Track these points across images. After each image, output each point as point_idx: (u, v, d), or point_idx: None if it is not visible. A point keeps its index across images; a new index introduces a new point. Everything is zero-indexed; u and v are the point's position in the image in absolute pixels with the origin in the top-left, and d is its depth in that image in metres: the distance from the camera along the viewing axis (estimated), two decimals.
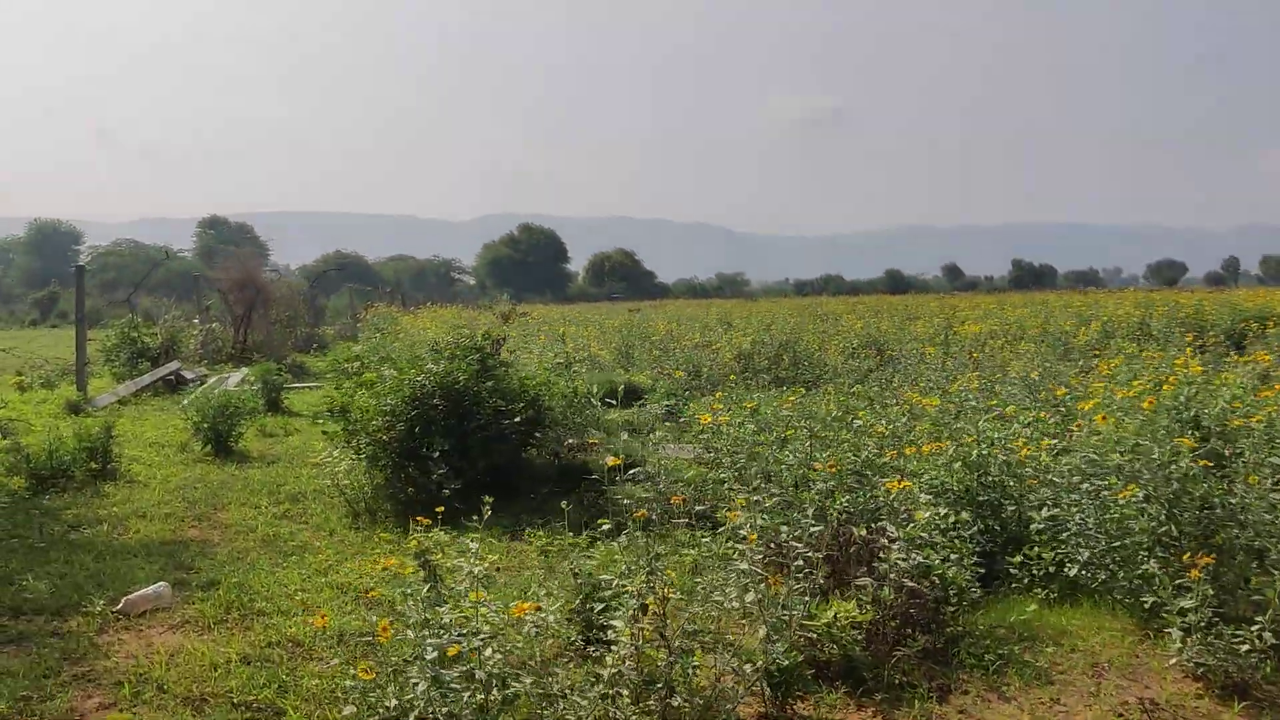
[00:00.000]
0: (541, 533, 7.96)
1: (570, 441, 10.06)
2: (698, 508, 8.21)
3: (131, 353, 18.80)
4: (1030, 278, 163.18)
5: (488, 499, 6.10)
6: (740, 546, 5.08)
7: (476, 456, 8.81)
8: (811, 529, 5.81)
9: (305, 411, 15.30)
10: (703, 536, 6.17)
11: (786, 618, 4.95)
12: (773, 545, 5.88)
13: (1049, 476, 6.67)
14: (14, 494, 9.34)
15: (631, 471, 9.27)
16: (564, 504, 7.00)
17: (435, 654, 4.10)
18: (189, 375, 18.51)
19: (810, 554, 5.47)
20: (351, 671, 4.96)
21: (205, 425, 11.47)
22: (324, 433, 10.00)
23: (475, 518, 6.28)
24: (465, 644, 4.08)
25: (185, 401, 16.01)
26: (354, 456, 8.97)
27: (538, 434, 9.38)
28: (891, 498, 6.02)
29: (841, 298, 75.03)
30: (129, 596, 6.26)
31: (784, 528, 5.92)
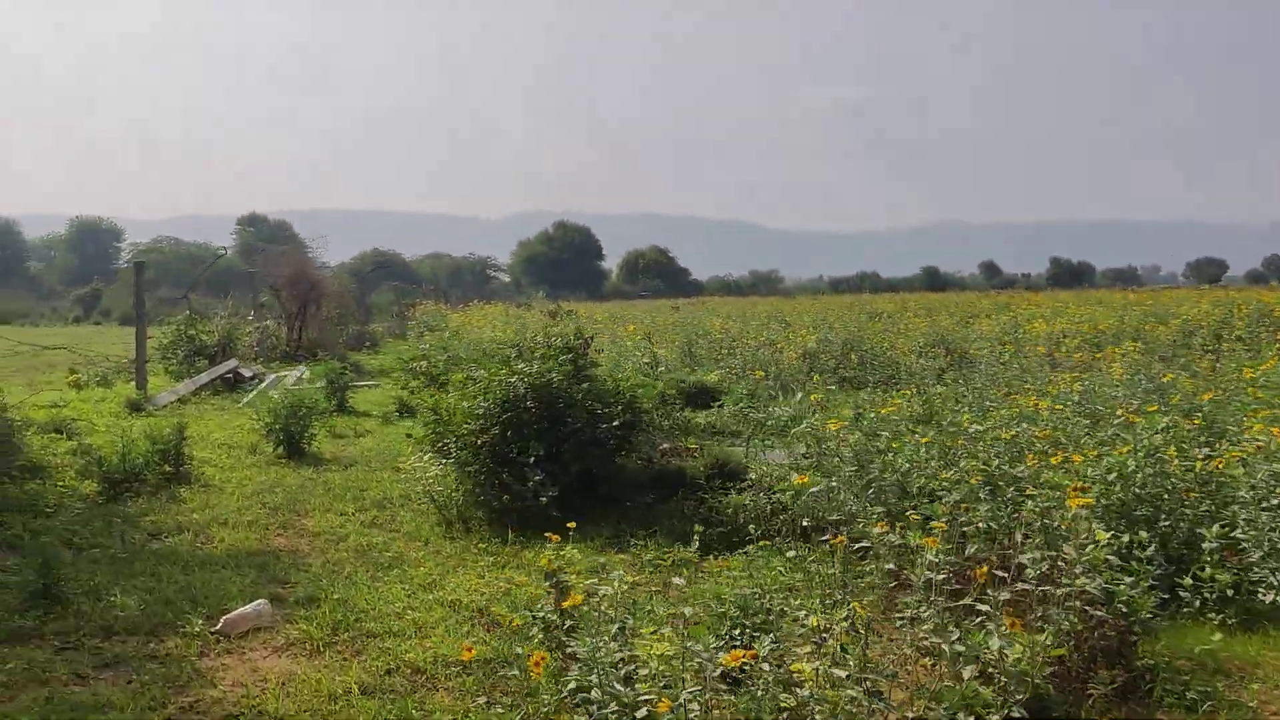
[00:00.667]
0: (649, 544, 7.48)
1: (664, 446, 9.59)
2: (804, 520, 7.74)
3: (188, 350, 18.51)
4: (1069, 275, 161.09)
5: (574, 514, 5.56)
6: (927, 572, 4.55)
7: (570, 462, 8.34)
8: (979, 552, 5.28)
9: (371, 411, 14.90)
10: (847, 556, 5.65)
11: (973, 654, 4.43)
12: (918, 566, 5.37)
13: (1223, 490, 6.12)
14: (87, 499, 8.98)
15: (735, 479, 8.83)
16: (668, 516, 6.53)
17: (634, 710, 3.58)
18: (246, 373, 18.19)
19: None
20: (496, 709, 4.53)
21: (277, 426, 11.08)
22: (408, 435, 9.58)
23: (573, 527, 5.85)
24: (671, 694, 3.58)
25: (246, 400, 15.73)
26: (443, 461, 8.52)
27: (633, 438, 8.89)
28: (1070, 515, 5.47)
29: (887, 295, 74.23)
30: (228, 616, 5.83)
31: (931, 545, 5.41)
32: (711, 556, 7.40)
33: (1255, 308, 20.27)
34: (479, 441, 8.19)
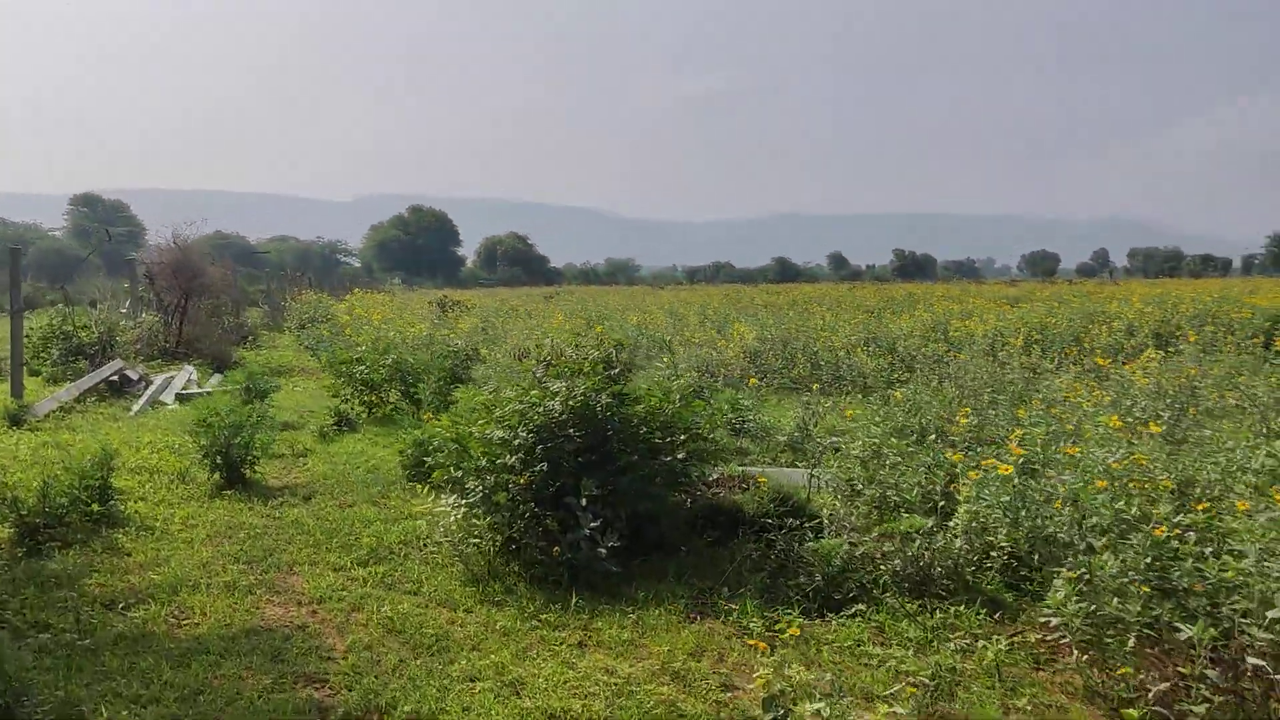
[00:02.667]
0: (746, 607, 6.15)
1: (713, 475, 8.25)
2: (893, 563, 6.56)
3: (64, 349, 16.18)
4: (913, 267, 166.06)
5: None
6: None
7: (623, 503, 6.93)
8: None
9: (299, 422, 13.06)
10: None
11: None
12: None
13: None
14: None
15: (798, 515, 7.58)
16: (733, 562, 5.22)
17: None
18: (133, 375, 16.01)
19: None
20: None
21: (217, 450, 9.28)
22: (428, 472, 7.99)
23: (629, 581, 4.48)
24: None
25: (137, 408, 13.68)
26: (469, 504, 6.96)
27: (690, 471, 7.50)
28: None
29: (765, 286, 74.25)
30: None
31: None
32: (817, 619, 6.14)
33: (1197, 306, 20.09)
34: (519, 480, 6.68)
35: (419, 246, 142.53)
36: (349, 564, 7.07)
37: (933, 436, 9.01)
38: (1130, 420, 9.47)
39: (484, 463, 6.92)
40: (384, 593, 6.52)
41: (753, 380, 13.70)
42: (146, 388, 15.77)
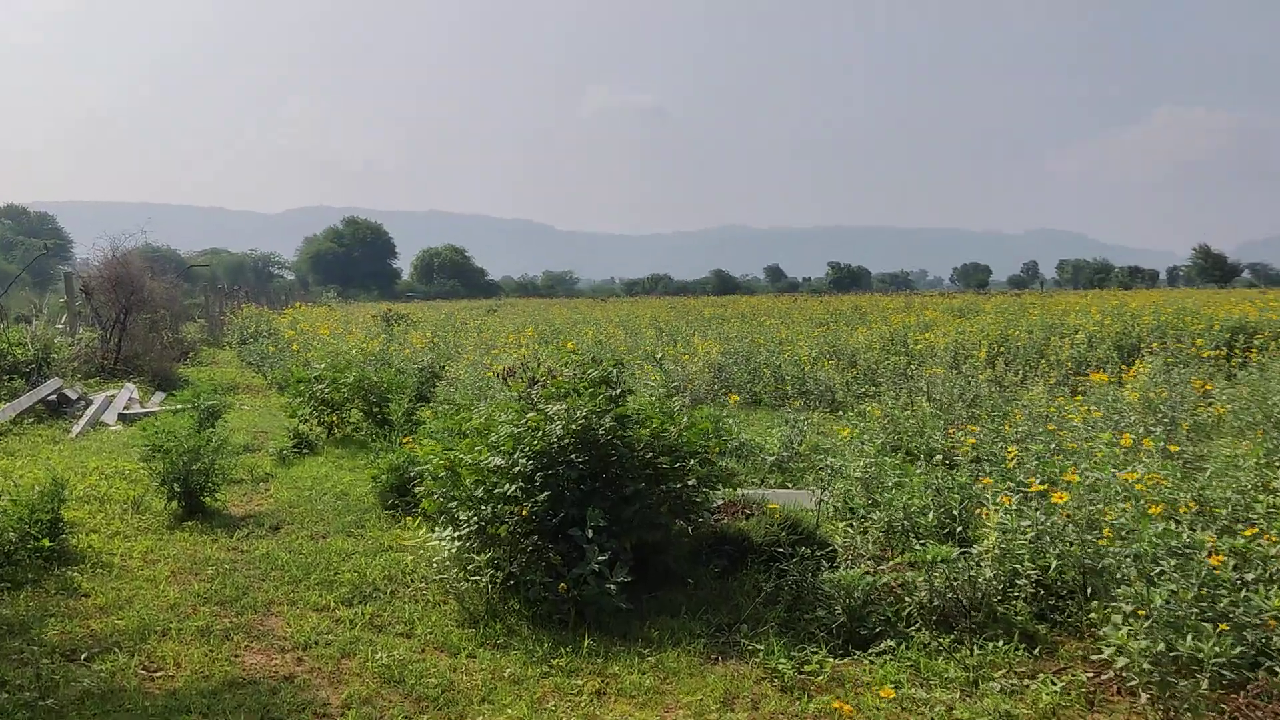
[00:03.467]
0: (773, 646, 5.71)
1: (716, 501, 7.81)
2: (930, 594, 6.19)
3: None
4: (848, 279, 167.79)
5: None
6: None
7: (628, 534, 6.47)
8: None
9: (254, 444, 12.39)
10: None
11: None
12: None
13: None
14: None
15: (808, 543, 7.18)
16: (745, 595, 4.83)
17: None
18: (72, 394, 15.19)
19: None
20: None
21: (175, 477, 8.64)
22: (408, 500, 7.45)
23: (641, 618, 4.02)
24: None
25: (78, 430, 12.94)
26: (463, 536, 6.44)
27: (697, 498, 7.05)
28: None
29: (707, 298, 74.24)
30: None
31: None
32: (845, 658, 5.73)
33: (1157, 318, 20.10)
34: (519, 510, 6.19)
35: (354, 259, 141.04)
36: (332, 603, 6.52)
37: (939, 457, 8.65)
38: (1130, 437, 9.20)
39: (479, 492, 6.41)
40: (375, 636, 5.98)
41: (734, 398, 13.29)
42: (86, 408, 14.96)
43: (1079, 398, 11.59)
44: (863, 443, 9.88)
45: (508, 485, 6.31)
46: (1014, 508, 6.36)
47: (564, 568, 6.22)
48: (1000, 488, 6.70)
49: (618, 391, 6.96)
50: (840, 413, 14.33)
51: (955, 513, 7.18)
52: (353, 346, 18.83)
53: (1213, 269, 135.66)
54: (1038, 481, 6.94)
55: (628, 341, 23.07)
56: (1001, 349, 18.55)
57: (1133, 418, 10.59)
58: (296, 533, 8.24)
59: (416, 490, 8.34)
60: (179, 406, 13.58)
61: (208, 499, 8.87)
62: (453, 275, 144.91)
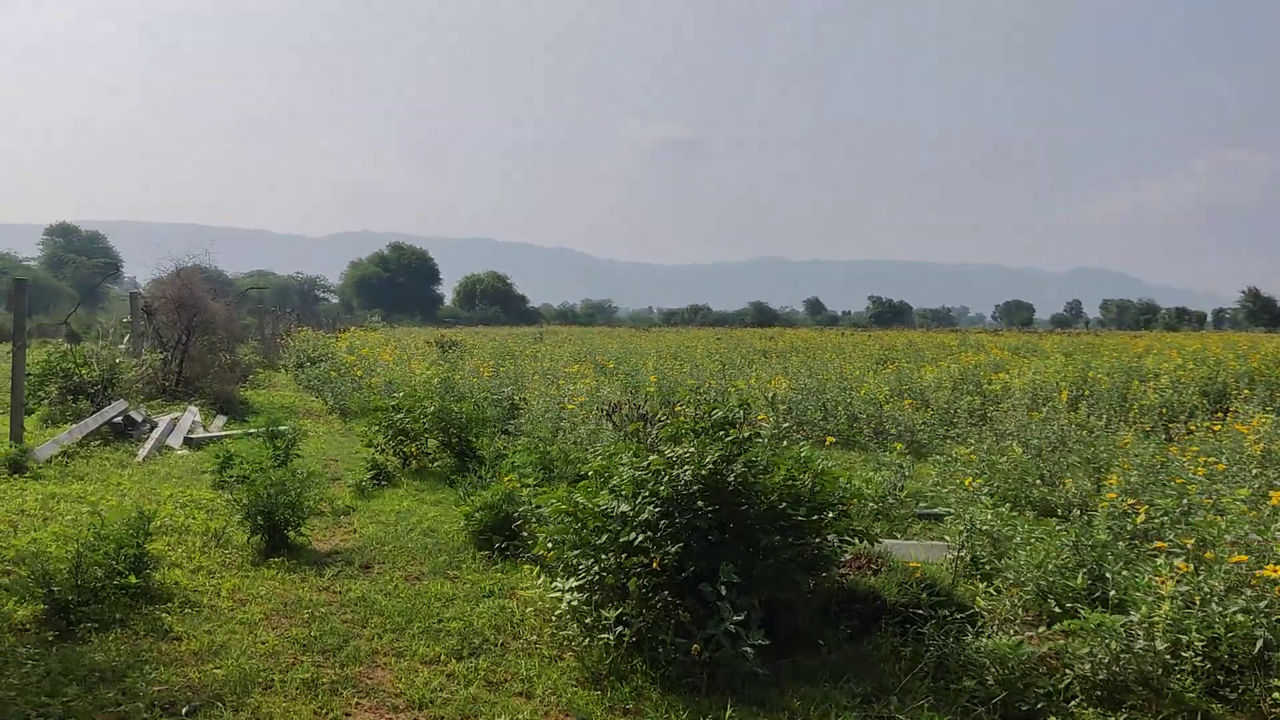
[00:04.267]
0: None
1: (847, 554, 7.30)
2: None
3: (62, 388, 15.07)
4: (890, 314, 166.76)
5: None
6: None
7: (759, 590, 5.98)
8: None
9: (325, 471, 12.01)
10: None
11: None
12: None
13: None
14: (21, 629, 6.13)
15: (946, 605, 6.66)
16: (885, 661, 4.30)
17: None
18: (137, 417, 14.93)
19: None
20: None
21: (258, 510, 8.25)
22: (506, 541, 7.01)
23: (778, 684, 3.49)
24: None
25: (144, 454, 12.64)
26: (583, 588, 5.98)
27: (837, 555, 6.56)
28: None
29: (753, 330, 73.74)
30: None
31: None
32: None
33: (1242, 364, 19.37)
34: (651, 562, 5.72)
35: (399, 284, 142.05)
36: (440, 655, 6.06)
37: (1076, 511, 8.09)
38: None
39: (601, 539, 5.96)
40: (492, 695, 5.52)
41: (830, 440, 12.79)
42: (151, 430, 14.69)
43: (1174, 447, 11.00)
44: (979, 493, 9.37)
45: (633, 534, 5.85)
46: (1191, 573, 5.81)
47: (693, 626, 5.75)
48: (1175, 550, 6.15)
49: (747, 436, 6.48)
50: (923, 456, 13.79)
51: (1108, 575, 6.63)
52: (420, 374, 18.51)
53: (1262, 312, 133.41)
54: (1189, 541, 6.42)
55: (693, 374, 22.58)
56: (1086, 391, 17.86)
57: (1254, 470, 9.99)
58: (389, 573, 7.80)
59: (519, 531, 7.92)
60: (249, 431, 13.27)
61: (292, 533, 8.47)
62: (495, 302, 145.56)
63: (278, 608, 6.91)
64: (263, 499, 8.26)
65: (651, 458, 6.24)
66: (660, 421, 9.52)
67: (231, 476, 10.46)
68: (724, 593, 5.68)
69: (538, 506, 7.39)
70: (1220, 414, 15.53)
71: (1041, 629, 6.34)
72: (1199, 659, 5.71)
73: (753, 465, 6.19)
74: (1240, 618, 5.79)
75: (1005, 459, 11.68)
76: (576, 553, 6.03)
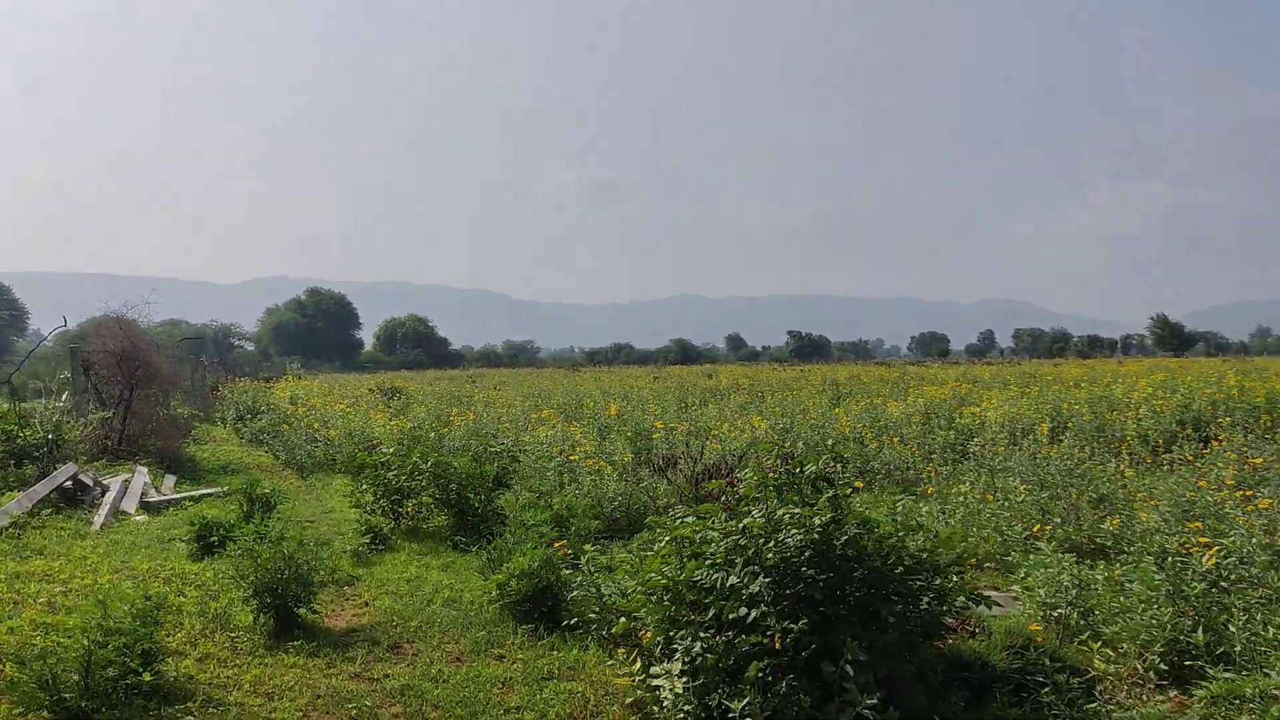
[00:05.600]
0: None
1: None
2: None
3: (4, 451, 13.88)
4: (810, 348, 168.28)
5: None
6: None
7: (881, 666, 5.35)
8: None
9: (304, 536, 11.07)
10: None
11: None
12: None
13: None
14: None
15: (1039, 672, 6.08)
16: None
17: None
18: (87, 481, 13.82)
19: None
20: None
21: (267, 586, 7.39)
22: (549, 612, 6.27)
23: None
24: None
25: (99, 521, 11.62)
26: (694, 671, 5.28)
27: (950, 621, 5.95)
28: None
29: (687, 366, 73.33)
30: None
31: None
32: None
33: (1214, 391, 19.31)
34: (773, 641, 5.06)
35: (317, 330, 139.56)
36: None
37: (1170, 559, 7.59)
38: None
39: (706, 616, 5.28)
40: None
41: (859, 483, 12.23)
42: (103, 494, 13.60)
43: (1167, 480, 10.72)
44: (1037, 539, 8.88)
45: (744, 609, 5.19)
46: None
47: (814, 711, 5.10)
48: None
49: (848, 494, 5.87)
50: (910, 492, 13.33)
51: (1232, 628, 6.11)
52: (383, 426, 17.59)
53: (1170, 338, 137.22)
54: None
55: (661, 415, 21.90)
56: (1069, 423, 17.60)
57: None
58: (427, 654, 7.00)
59: (565, 602, 7.19)
60: (207, 492, 12.27)
61: (304, 611, 7.62)
62: (416, 345, 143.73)
63: (313, 702, 6.08)
64: (270, 573, 7.41)
65: (746, 521, 5.59)
66: (729, 476, 8.87)
67: (214, 544, 9.55)
68: (850, 672, 5.04)
69: (592, 570, 6.66)
70: (1202, 442, 15.35)
71: (1174, 693, 5.82)
72: None
73: (866, 526, 5.58)
74: None
75: (1025, 499, 11.26)
76: (682, 632, 5.34)
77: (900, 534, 5.79)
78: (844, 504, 5.73)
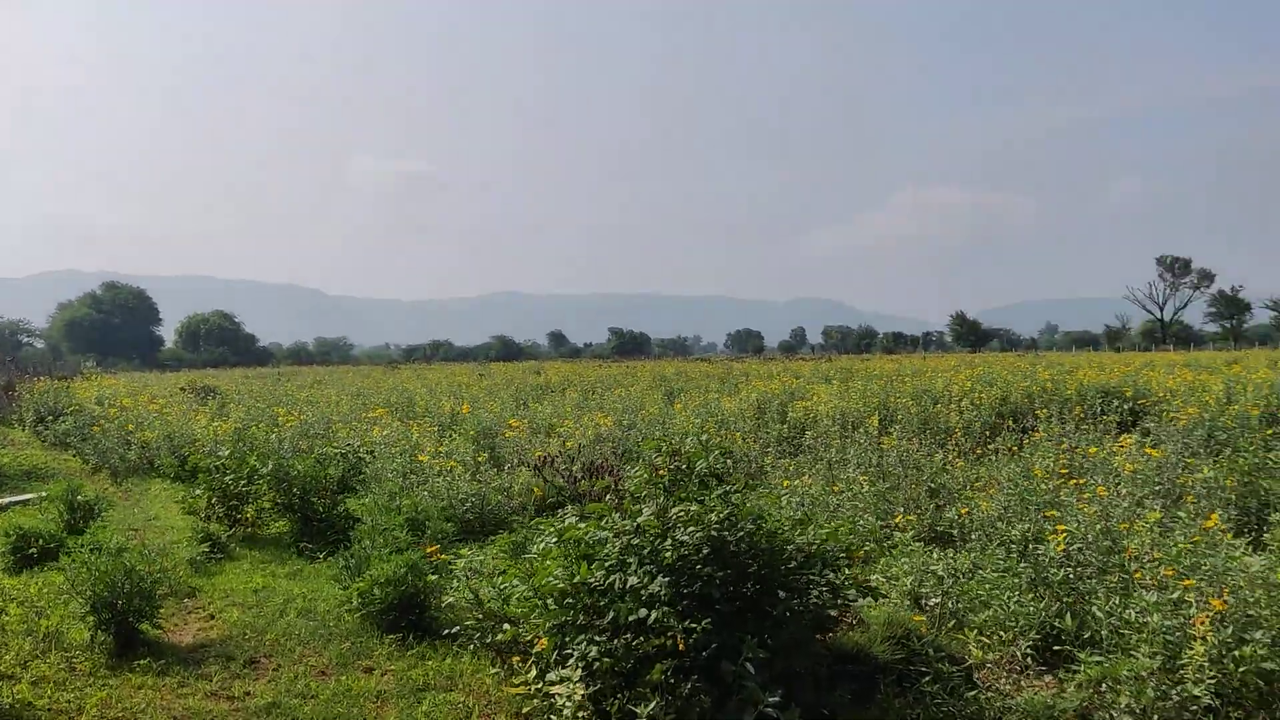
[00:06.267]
0: None
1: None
2: None
3: None
4: (631, 345, 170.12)
5: None
6: None
7: (778, 662, 5.30)
8: None
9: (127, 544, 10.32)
10: None
11: None
12: None
13: None
14: None
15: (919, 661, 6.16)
16: None
17: None
18: None
19: None
20: None
21: (106, 601, 6.81)
22: (415, 621, 5.97)
23: None
24: None
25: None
26: (593, 676, 5.09)
27: (837, 615, 5.95)
28: None
29: (513, 364, 72.58)
30: None
31: None
32: None
33: (1032, 384, 20.30)
34: (677, 642, 4.93)
35: (114, 326, 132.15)
36: None
37: (1031, 545, 7.82)
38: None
39: (604, 620, 5.12)
40: None
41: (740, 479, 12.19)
42: None
43: (1000, 469, 11.23)
44: (898, 530, 9.06)
45: (645, 610, 5.04)
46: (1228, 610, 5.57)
47: (714, 711, 5.01)
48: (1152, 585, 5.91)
49: (740, 488, 5.80)
50: (752, 488, 13.48)
51: (1098, 613, 6.34)
52: (205, 427, 16.68)
53: (968, 334, 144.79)
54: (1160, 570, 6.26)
55: (498, 412, 21.53)
56: (899, 417, 18.19)
57: (1124, 490, 10.17)
58: (288, 669, 6.57)
59: (433, 609, 6.89)
60: (24, 499, 11.34)
61: (146, 627, 7.06)
62: (222, 342, 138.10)
63: None
64: (109, 587, 6.83)
65: (640, 519, 5.45)
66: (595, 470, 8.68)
67: (34, 557, 8.79)
68: (750, 670, 4.97)
69: (468, 574, 6.39)
70: (1022, 432, 16.07)
71: (1047, 677, 6.00)
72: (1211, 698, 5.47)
73: (760, 522, 5.52)
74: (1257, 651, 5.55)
75: (869, 489, 11.51)
76: (579, 638, 5.15)
77: (789, 529, 5.77)
78: (736, 500, 5.67)
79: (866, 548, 9.62)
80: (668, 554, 5.21)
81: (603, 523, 5.60)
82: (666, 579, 5.14)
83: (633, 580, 5.10)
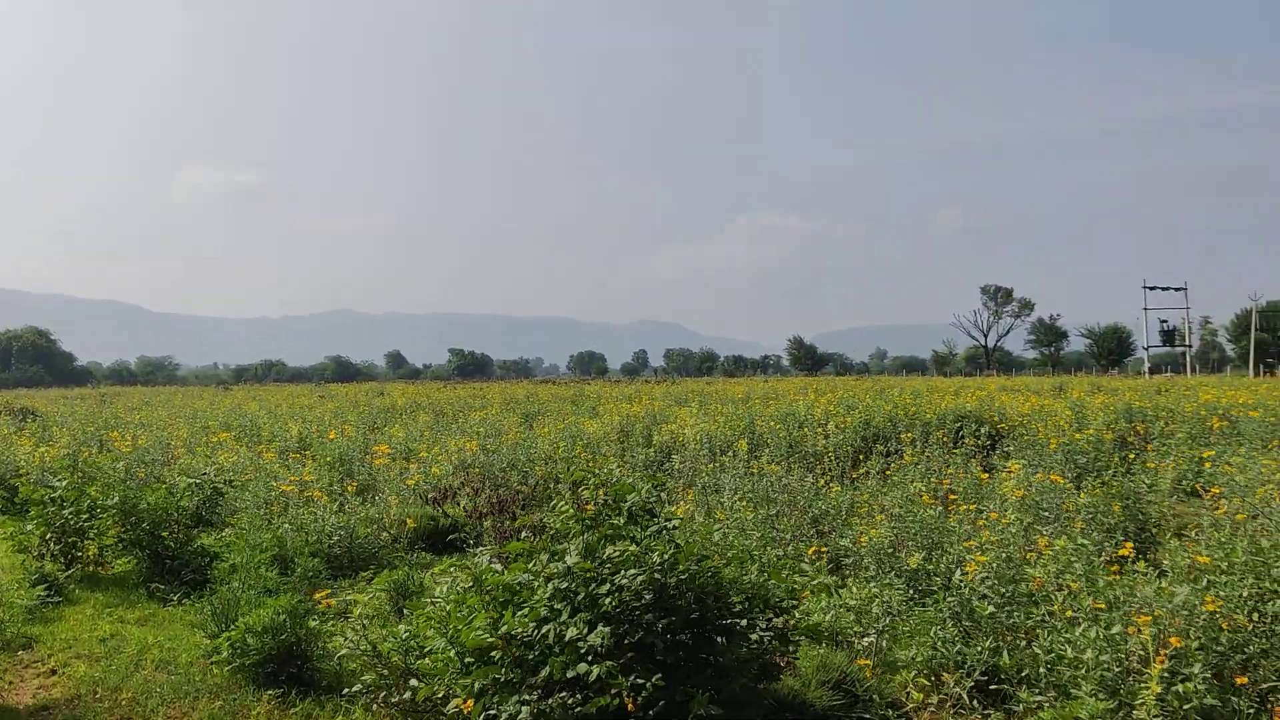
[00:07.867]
0: None
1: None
2: None
3: None
4: (473, 366, 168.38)
5: None
6: None
7: (726, 715, 4.81)
8: None
9: None
10: None
11: None
12: None
13: None
14: None
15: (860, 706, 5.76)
16: None
17: None
18: None
19: None
20: None
21: None
22: (296, 675, 5.26)
23: None
24: None
25: None
26: None
27: (783, 661, 5.48)
28: None
29: (354, 385, 70.33)
30: None
31: None
32: None
33: (891, 409, 20.48)
34: (624, 701, 4.38)
35: None
36: None
37: (957, 575, 7.52)
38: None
39: (538, 677, 4.53)
40: None
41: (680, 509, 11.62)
42: None
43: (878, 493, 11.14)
44: (807, 562, 8.71)
45: (583, 665, 4.49)
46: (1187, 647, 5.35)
47: None
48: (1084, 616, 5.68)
49: (674, 524, 5.31)
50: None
51: (1037, 650, 6.06)
52: (30, 452, 15.24)
53: (805, 358, 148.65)
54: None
55: (352, 436, 20.46)
56: (768, 441, 18.02)
57: (1011, 515, 10.11)
58: None
59: (317, 660, 6.15)
60: None
61: None
62: (35, 361, 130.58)
63: None
64: None
65: (572, 561, 4.90)
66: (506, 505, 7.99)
67: None
68: None
69: (364, 623, 5.69)
70: (886, 455, 16.08)
71: (993, 715, 5.69)
72: None
73: (704, 561, 5.03)
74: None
75: (752, 517, 11.17)
76: (512, 699, 4.54)
77: (728, 567, 5.30)
78: (680, 538, 5.18)
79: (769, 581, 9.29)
80: (607, 600, 4.67)
81: (531, 565, 5.01)
82: (607, 629, 4.60)
83: (571, 631, 4.54)
